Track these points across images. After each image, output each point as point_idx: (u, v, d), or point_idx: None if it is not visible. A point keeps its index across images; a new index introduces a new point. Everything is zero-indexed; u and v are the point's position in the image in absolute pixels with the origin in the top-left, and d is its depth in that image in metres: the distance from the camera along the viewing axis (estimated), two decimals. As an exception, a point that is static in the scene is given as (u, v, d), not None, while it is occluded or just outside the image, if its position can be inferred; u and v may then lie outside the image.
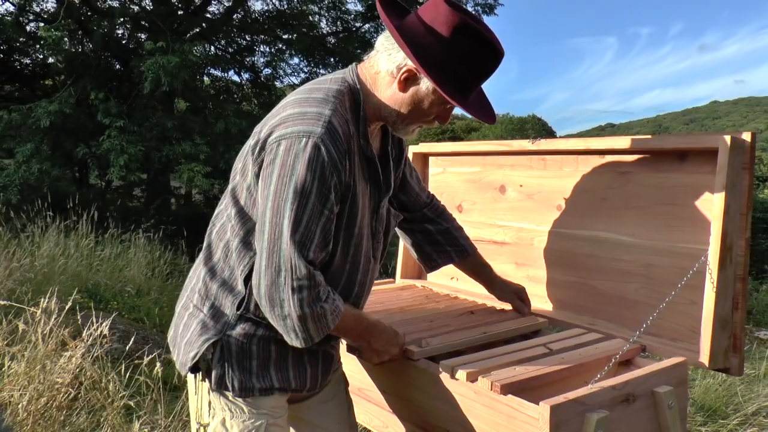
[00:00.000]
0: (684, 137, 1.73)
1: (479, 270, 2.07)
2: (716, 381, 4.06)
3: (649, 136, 1.83)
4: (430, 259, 2.04)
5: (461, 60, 1.45)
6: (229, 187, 1.58)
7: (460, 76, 1.47)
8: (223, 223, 1.58)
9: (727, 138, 1.58)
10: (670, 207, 1.77)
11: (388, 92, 1.53)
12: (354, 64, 1.60)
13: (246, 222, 1.52)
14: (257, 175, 1.48)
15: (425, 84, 1.48)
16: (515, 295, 2.03)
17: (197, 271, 1.64)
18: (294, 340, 1.45)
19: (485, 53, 1.47)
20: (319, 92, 1.50)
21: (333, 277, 1.53)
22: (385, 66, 1.51)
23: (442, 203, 2.05)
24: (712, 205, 1.61)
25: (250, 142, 1.52)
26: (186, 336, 1.57)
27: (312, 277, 1.40)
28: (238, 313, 1.52)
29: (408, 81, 1.50)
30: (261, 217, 1.43)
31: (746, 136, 1.59)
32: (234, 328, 1.53)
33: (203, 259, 1.62)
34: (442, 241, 2.01)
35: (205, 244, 1.63)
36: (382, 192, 1.64)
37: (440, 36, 1.43)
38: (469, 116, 1.55)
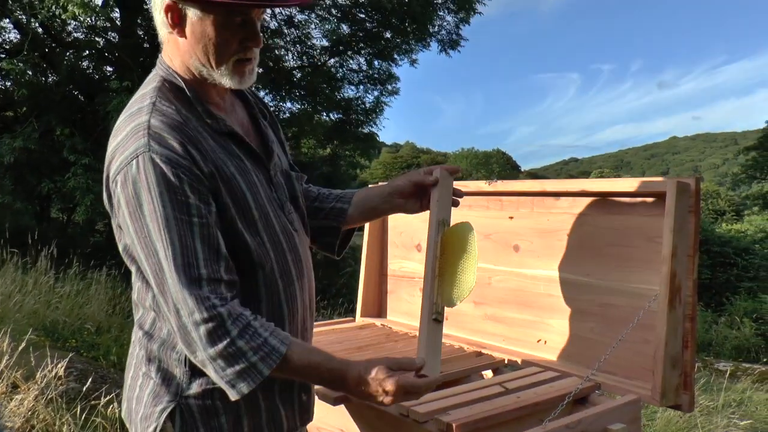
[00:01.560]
0: (634, 182, 1.78)
1: (368, 203, 1.71)
2: (677, 414, 4.11)
3: (602, 180, 1.89)
4: (329, 246, 1.72)
5: None
6: (120, 248, 1.39)
7: None
8: (138, 286, 1.41)
9: (673, 183, 1.64)
10: (622, 248, 1.81)
11: (179, 51, 1.32)
12: (159, 55, 1.41)
13: None
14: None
15: (192, 11, 1.26)
16: (411, 184, 1.68)
17: (137, 336, 1.46)
18: (229, 390, 1.25)
19: None
20: (134, 105, 1.34)
21: (265, 270, 1.36)
22: (160, 24, 1.30)
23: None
24: (661, 246, 1.66)
25: (103, 196, 1.38)
26: (140, 410, 1.38)
27: (210, 308, 1.21)
28: (188, 369, 1.34)
29: (178, 19, 1.28)
30: (140, 265, 1.28)
31: (691, 181, 1.65)
32: (190, 387, 1.34)
33: (138, 324, 1.45)
34: (321, 219, 1.68)
35: (135, 311, 1.47)
36: (265, 160, 1.44)
37: None
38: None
